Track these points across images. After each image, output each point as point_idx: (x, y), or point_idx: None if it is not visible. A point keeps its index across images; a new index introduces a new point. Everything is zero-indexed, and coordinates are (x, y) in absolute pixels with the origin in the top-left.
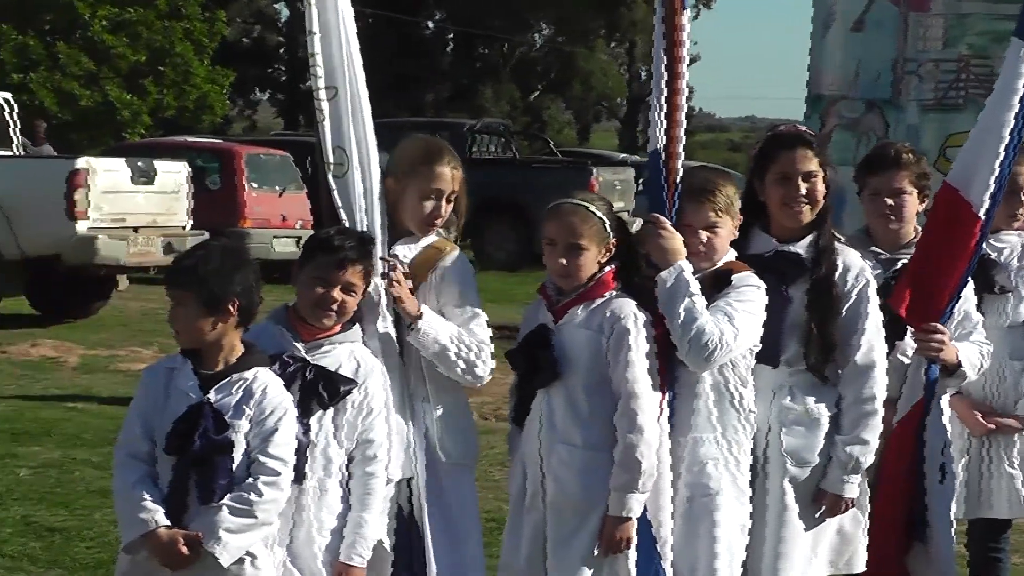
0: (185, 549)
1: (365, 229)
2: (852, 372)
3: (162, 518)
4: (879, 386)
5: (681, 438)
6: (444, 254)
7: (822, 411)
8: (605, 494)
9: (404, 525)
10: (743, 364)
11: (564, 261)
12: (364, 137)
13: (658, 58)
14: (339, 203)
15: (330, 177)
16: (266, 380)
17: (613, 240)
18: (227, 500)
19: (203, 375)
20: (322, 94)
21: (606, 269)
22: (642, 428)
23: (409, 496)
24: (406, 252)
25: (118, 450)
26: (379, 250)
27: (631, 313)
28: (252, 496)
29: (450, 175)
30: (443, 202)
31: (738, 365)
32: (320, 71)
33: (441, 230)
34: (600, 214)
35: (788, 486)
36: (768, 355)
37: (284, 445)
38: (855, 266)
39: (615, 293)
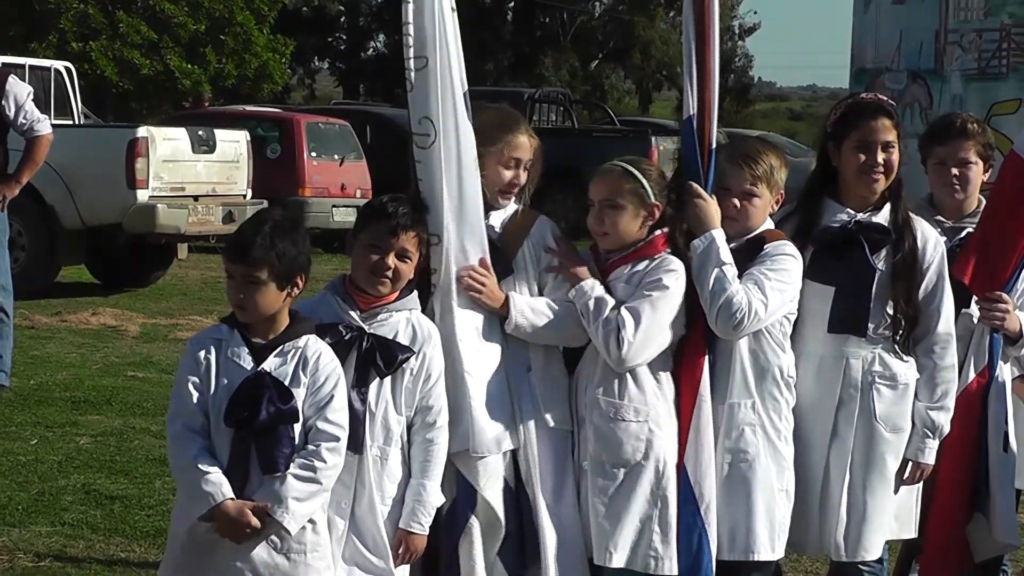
0: (255, 520)
1: (450, 204)
2: (934, 341)
3: (228, 490)
4: (956, 354)
5: (719, 405)
6: (532, 221)
7: (910, 377)
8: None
9: (510, 497)
10: (779, 331)
11: (601, 219)
12: (454, 109)
13: (688, 25)
14: (420, 175)
15: (415, 149)
16: (318, 347)
17: (657, 203)
18: (293, 468)
19: (255, 345)
20: (412, 63)
21: (656, 232)
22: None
23: (514, 467)
24: (494, 224)
25: (172, 422)
26: (481, 230)
27: (675, 268)
28: (316, 463)
29: (528, 143)
30: (521, 170)
31: (774, 332)
32: (411, 40)
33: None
34: (638, 174)
35: (881, 451)
36: (857, 325)
37: (341, 410)
38: (932, 237)
39: (665, 255)
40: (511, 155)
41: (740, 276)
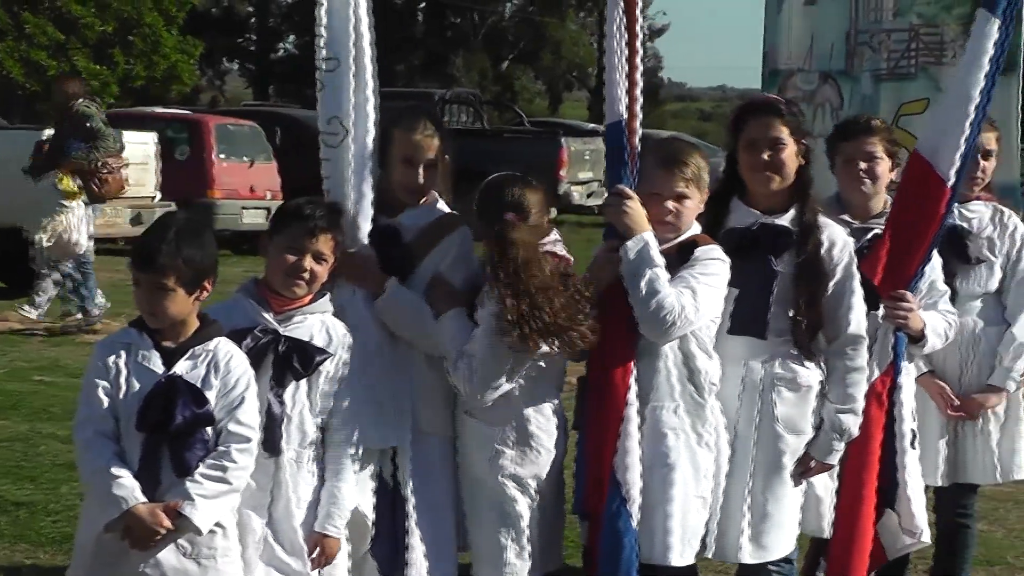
0: (167, 522)
1: (351, 201)
2: (844, 342)
3: (140, 494)
4: (865, 356)
5: (642, 407)
6: (451, 230)
7: (811, 379)
8: None
9: (388, 494)
10: (705, 335)
11: None
12: (365, 109)
13: (612, 29)
14: (326, 173)
15: (323, 148)
16: (228, 350)
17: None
18: (201, 468)
19: (165, 349)
20: (323, 64)
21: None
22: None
23: (393, 466)
24: (411, 223)
25: (81, 427)
26: (367, 219)
27: None
28: (226, 463)
29: (426, 143)
30: (420, 169)
31: (700, 337)
32: (323, 42)
33: (441, 201)
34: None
35: (781, 453)
36: (757, 327)
37: (252, 412)
38: (840, 239)
39: None
40: (408, 154)
41: (671, 280)
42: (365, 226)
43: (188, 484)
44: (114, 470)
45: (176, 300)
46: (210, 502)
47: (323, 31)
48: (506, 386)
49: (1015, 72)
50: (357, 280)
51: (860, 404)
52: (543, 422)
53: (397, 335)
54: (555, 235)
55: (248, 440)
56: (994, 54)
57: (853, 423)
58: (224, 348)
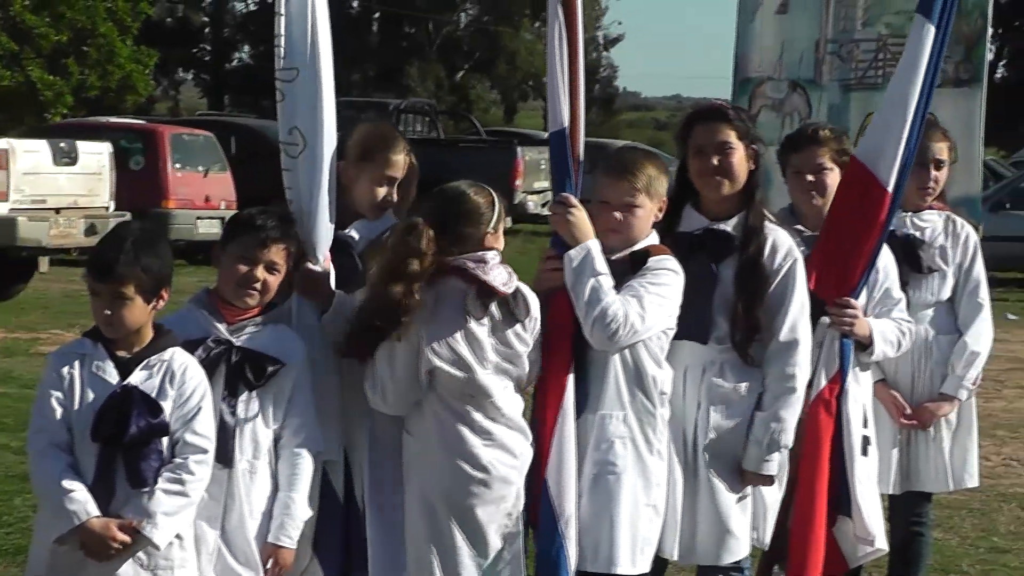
0: (121, 536)
1: (312, 211)
2: (775, 350)
3: (93, 508)
4: (801, 365)
5: (590, 415)
6: None
7: (748, 389)
8: None
9: (341, 507)
10: (656, 345)
11: None
12: (323, 120)
13: (553, 37)
14: (288, 183)
15: (283, 158)
16: (184, 360)
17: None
18: (161, 483)
19: (120, 359)
20: (282, 75)
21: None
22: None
23: (347, 478)
24: (364, 234)
25: (35, 439)
26: (329, 232)
27: None
28: (184, 476)
29: (403, 161)
30: (394, 187)
31: (651, 346)
32: (283, 52)
33: (391, 213)
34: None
35: (714, 462)
36: (698, 332)
37: (208, 423)
38: (784, 245)
39: None
40: (386, 173)
41: (620, 288)
42: (326, 238)
43: (147, 500)
44: (67, 483)
45: (134, 309)
46: (170, 518)
47: (282, 41)
48: (415, 397)
49: (978, 85)
50: (306, 293)
51: (789, 413)
52: (475, 439)
53: None
54: (493, 255)
55: (205, 451)
56: (930, 59)
57: (781, 431)
58: (179, 358)
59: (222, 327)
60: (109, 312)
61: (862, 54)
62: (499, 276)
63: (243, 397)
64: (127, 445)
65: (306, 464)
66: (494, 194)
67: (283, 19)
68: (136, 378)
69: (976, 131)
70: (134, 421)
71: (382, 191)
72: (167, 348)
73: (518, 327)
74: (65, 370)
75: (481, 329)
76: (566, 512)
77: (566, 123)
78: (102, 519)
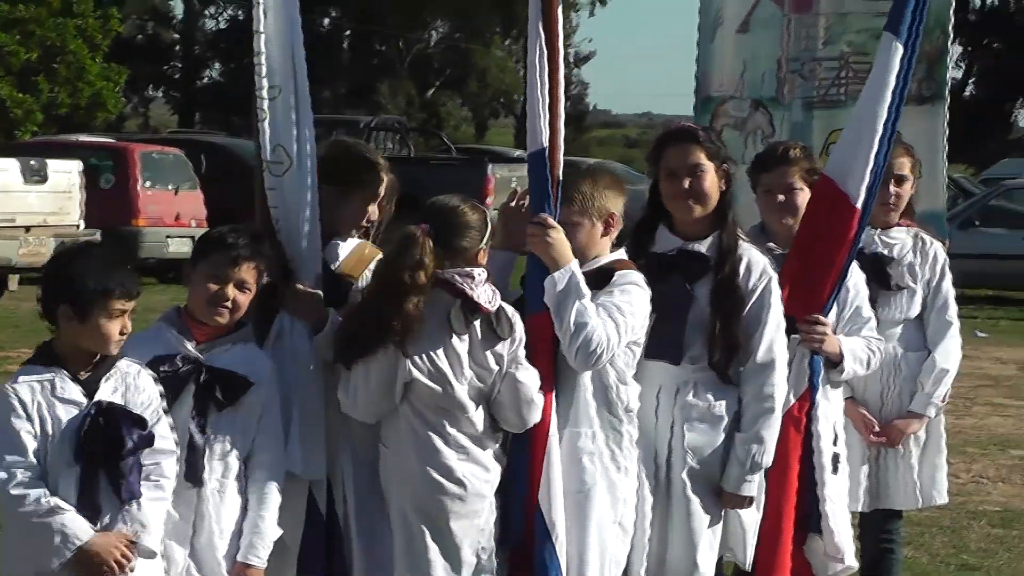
0: (124, 549)
1: (303, 228)
2: (752, 369)
3: (88, 527)
4: (778, 384)
5: (560, 431)
6: (374, 257)
7: (724, 408)
8: None
9: (323, 525)
10: (623, 361)
11: None
12: (306, 137)
13: (534, 57)
14: (274, 203)
15: (266, 176)
16: (135, 367)
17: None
18: (146, 493)
19: (80, 379)
20: (265, 93)
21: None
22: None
23: (328, 496)
24: (340, 252)
25: (8, 473)
26: (318, 251)
27: None
28: (163, 481)
29: (387, 182)
30: (377, 207)
31: (617, 362)
32: (264, 70)
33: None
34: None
35: (690, 482)
36: (672, 352)
37: (166, 423)
38: (758, 264)
39: None
40: (376, 194)
41: None
42: (316, 257)
43: (139, 512)
44: (57, 506)
45: (116, 326)
46: (159, 524)
47: (263, 59)
48: (388, 407)
49: (941, 102)
50: (300, 314)
51: (769, 433)
52: (450, 452)
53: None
54: (480, 271)
55: (173, 452)
56: (898, 76)
57: (760, 451)
58: (129, 367)
59: (191, 346)
60: (122, 330)
61: (824, 72)
62: (484, 293)
63: (212, 416)
64: (110, 461)
65: (275, 483)
66: (485, 211)
67: (263, 37)
68: (104, 394)
69: (940, 147)
70: (127, 436)
71: (367, 212)
72: (118, 360)
73: (499, 346)
74: (27, 398)
75: (461, 345)
76: (560, 534)
77: (546, 143)
78: (103, 535)
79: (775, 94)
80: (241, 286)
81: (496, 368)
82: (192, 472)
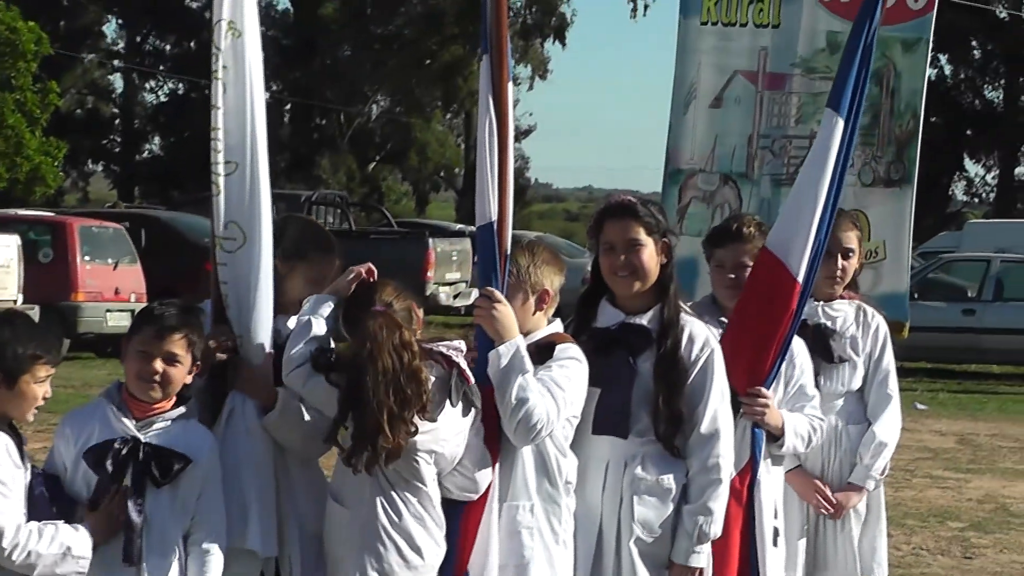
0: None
1: (252, 306)
2: (697, 441)
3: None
4: (724, 455)
5: (500, 504)
6: None
7: (673, 481)
8: None
9: None
10: (561, 434)
11: None
12: (261, 214)
13: (484, 131)
14: (224, 278)
15: (218, 251)
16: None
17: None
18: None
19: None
20: (220, 168)
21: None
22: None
23: (276, 572)
24: (280, 329)
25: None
26: (268, 327)
27: None
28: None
29: (336, 262)
30: (323, 284)
31: (556, 436)
32: (220, 145)
33: None
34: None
35: (639, 555)
36: (619, 427)
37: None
38: (700, 336)
39: None
40: (323, 273)
41: None
42: (266, 333)
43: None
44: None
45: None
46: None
47: (220, 135)
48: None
49: (909, 185)
50: (249, 392)
51: (716, 504)
52: (412, 522)
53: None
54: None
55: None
56: (839, 151)
57: (707, 522)
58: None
59: (130, 423)
60: (44, 395)
61: (795, 150)
62: (465, 367)
63: (150, 495)
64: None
65: (216, 560)
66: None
67: (220, 112)
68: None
69: (906, 230)
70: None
71: (315, 288)
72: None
73: (468, 417)
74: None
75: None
76: None
77: (495, 217)
78: (90, 515)
79: (744, 169)
80: (171, 359)
81: (459, 441)
82: (129, 552)
